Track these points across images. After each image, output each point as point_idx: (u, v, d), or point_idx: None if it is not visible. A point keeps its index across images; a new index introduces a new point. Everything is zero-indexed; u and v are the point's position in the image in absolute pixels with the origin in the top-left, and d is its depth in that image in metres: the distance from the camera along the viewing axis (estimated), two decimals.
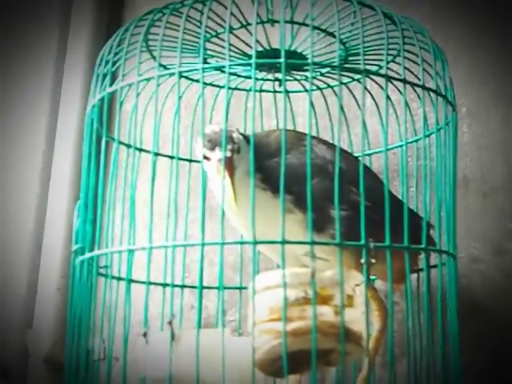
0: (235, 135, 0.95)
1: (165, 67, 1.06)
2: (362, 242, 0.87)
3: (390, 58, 1.05)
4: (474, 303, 1.15)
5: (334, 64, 0.99)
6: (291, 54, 1.06)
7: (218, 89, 1.20)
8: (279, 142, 0.91)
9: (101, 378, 0.99)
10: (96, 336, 1.11)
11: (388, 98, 0.97)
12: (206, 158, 0.95)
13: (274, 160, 0.96)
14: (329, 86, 1.19)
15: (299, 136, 1.02)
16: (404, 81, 0.95)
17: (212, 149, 0.94)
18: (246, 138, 0.96)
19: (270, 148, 0.98)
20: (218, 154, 0.93)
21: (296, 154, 0.97)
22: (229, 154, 0.93)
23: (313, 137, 1.02)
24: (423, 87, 0.97)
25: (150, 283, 0.94)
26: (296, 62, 1.06)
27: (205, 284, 1.21)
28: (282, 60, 0.89)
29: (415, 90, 1.04)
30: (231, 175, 0.93)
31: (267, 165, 0.96)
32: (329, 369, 1.17)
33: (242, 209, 0.91)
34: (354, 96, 1.18)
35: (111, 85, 1.01)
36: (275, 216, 0.89)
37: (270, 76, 1.16)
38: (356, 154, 1.11)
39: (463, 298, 1.04)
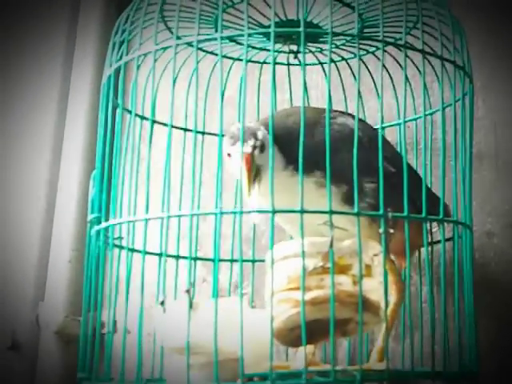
0: (260, 133, 0.94)
1: (179, 38, 1.05)
2: (381, 211, 0.86)
3: (407, 29, 1.04)
4: (488, 277, 1.15)
5: (353, 33, 0.98)
6: (307, 25, 1.05)
7: (232, 61, 1.19)
8: (299, 121, 0.89)
9: (114, 350, 0.99)
10: (107, 309, 1.12)
11: (405, 69, 0.96)
12: (229, 155, 0.96)
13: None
14: (343, 58, 1.19)
15: (319, 110, 1.01)
16: (422, 51, 0.94)
17: (233, 144, 0.95)
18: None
19: (295, 132, 0.96)
20: (238, 149, 0.93)
21: (321, 129, 0.94)
22: (249, 149, 0.93)
23: (333, 110, 1.02)
24: (441, 58, 0.97)
25: (165, 255, 0.94)
26: (315, 30, 1.05)
27: None
28: (301, 29, 0.88)
29: (431, 64, 1.04)
30: (249, 170, 0.93)
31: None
32: (341, 342, 1.18)
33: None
34: (368, 69, 1.17)
35: (126, 54, 1.00)
36: (307, 195, 0.87)
37: (285, 48, 1.15)
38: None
39: (477, 272, 1.04)
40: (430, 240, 1.04)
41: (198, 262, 1.21)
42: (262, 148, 0.93)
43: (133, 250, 1.02)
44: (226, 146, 0.96)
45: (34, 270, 1.44)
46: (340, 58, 1.19)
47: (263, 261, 0.99)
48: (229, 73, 1.20)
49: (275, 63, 1.20)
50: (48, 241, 1.45)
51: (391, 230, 0.88)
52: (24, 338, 1.42)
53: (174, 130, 1.10)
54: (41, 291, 1.43)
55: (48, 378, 1.37)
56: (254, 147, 0.93)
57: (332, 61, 1.19)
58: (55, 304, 1.40)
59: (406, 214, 0.88)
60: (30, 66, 1.57)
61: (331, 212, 0.85)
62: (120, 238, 1.02)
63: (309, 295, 0.85)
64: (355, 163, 0.86)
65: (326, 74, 1.20)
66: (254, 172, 0.93)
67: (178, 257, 1.12)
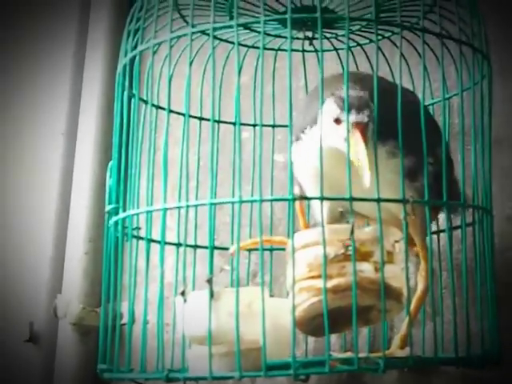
0: (371, 104, 0.89)
1: (194, 27, 1.04)
2: (401, 197, 0.86)
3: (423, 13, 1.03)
4: (508, 261, 1.14)
5: (370, 18, 0.97)
6: (323, 11, 1.04)
7: (246, 49, 1.18)
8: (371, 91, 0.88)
9: (133, 341, 0.98)
10: (126, 299, 1.11)
11: (421, 54, 0.95)
12: (337, 121, 0.90)
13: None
14: (358, 44, 1.18)
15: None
16: (440, 35, 0.93)
17: (350, 111, 0.88)
18: None
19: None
20: (352, 117, 0.88)
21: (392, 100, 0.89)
22: (366, 119, 0.88)
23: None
24: (460, 41, 0.96)
25: (183, 245, 0.93)
26: (332, 16, 1.04)
27: None
28: (317, 14, 0.88)
29: (447, 48, 1.03)
30: (366, 142, 0.87)
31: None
32: (361, 330, 1.17)
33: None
34: (383, 54, 1.16)
35: (141, 43, 1.00)
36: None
37: (300, 35, 1.14)
38: None
39: (496, 258, 1.03)
40: (450, 225, 1.04)
41: (215, 252, 1.20)
42: (373, 121, 0.89)
43: (151, 241, 1.02)
44: (334, 110, 0.90)
45: (51, 262, 1.44)
46: (355, 44, 1.18)
47: (281, 249, 0.98)
48: (243, 60, 1.19)
49: (291, 50, 1.20)
50: (64, 232, 1.45)
51: (413, 217, 0.87)
52: (42, 330, 1.43)
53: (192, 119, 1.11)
54: (58, 283, 1.43)
55: (66, 370, 1.38)
56: (369, 119, 0.88)
57: (348, 47, 1.18)
58: (72, 296, 1.40)
59: (426, 199, 0.87)
60: (43, 56, 1.56)
61: (351, 199, 0.84)
62: (138, 228, 1.01)
63: (330, 283, 0.85)
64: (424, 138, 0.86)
65: (341, 61, 1.19)
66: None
67: (196, 246, 1.11)
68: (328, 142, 0.90)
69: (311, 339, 1.19)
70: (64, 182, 1.47)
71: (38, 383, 1.40)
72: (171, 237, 1.05)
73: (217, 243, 1.23)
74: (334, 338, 1.18)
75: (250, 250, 1.16)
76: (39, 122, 1.54)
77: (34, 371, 1.41)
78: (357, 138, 0.87)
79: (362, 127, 0.87)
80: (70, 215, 1.45)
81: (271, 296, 1.14)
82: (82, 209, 1.43)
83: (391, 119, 0.86)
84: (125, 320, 1.01)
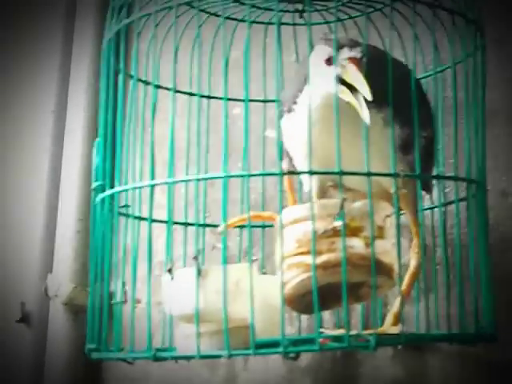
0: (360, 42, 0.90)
1: None
2: (392, 171, 0.84)
3: None
4: (503, 236, 1.12)
5: None
6: None
7: (236, 23, 1.16)
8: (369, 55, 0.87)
9: (123, 320, 0.97)
10: (117, 278, 1.10)
11: (413, 25, 0.93)
12: (328, 61, 0.90)
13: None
14: (350, 17, 1.15)
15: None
16: (432, 5, 0.91)
17: (339, 49, 0.88)
18: None
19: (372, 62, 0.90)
20: (345, 53, 0.88)
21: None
22: (359, 54, 0.88)
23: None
24: (452, 11, 0.94)
25: (172, 222, 0.92)
26: None
27: None
28: None
29: (440, 19, 1.01)
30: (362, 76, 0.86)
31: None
32: (354, 307, 1.16)
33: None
34: (376, 27, 1.14)
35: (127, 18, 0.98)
36: (373, 133, 0.84)
37: (290, 8, 1.12)
38: None
39: (491, 231, 1.02)
40: (443, 200, 1.02)
41: (207, 229, 1.18)
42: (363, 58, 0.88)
43: (139, 218, 1.00)
44: (324, 51, 0.91)
45: (41, 242, 1.43)
46: (347, 17, 1.16)
47: (273, 226, 0.97)
48: (233, 35, 1.17)
49: (280, 24, 1.18)
50: (55, 211, 1.43)
51: (404, 190, 0.85)
52: (33, 310, 1.42)
53: (180, 95, 1.09)
54: (49, 262, 1.42)
55: (58, 349, 1.36)
56: (363, 55, 0.88)
57: (339, 19, 1.16)
58: (63, 275, 1.38)
59: (418, 173, 0.86)
60: (31, 34, 1.55)
61: (341, 173, 0.82)
62: (126, 205, 1.00)
63: (320, 259, 0.83)
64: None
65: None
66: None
67: (186, 224, 1.10)
68: (319, 91, 0.89)
69: (304, 317, 1.17)
70: (53, 162, 1.46)
71: (29, 363, 1.39)
72: (163, 214, 1.03)
73: (208, 221, 1.21)
74: (327, 315, 1.17)
75: (241, 227, 1.15)
76: (28, 101, 1.52)
77: (26, 351, 1.40)
78: (352, 69, 0.86)
79: (356, 61, 0.87)
80: (61, 194, 1.44)
81: (264, 273, 1.13)
82: (73, 188, 1.41)
83: (385, 87, 0.84)
84: (115, 299, 0.99)
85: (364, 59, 0.88)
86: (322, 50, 0.91)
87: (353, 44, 0.89)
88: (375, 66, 0.86)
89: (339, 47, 0.88)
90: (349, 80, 0.86)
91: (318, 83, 0.89)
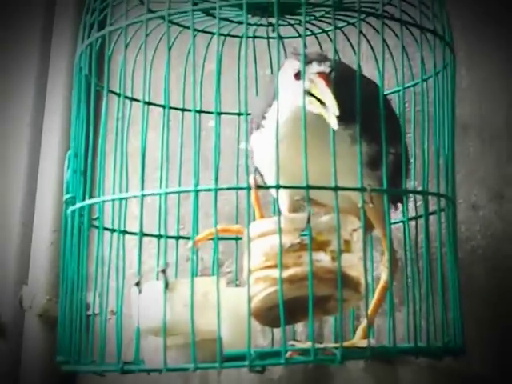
0: (330, 57, 0.91)
1: (153, 12, 1.03)
2: (359, 185, 0.84)
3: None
4: (474, 249, 1.13)
5: (329, 4, 0.96)
6: None
7: (210, 36, 1.16)
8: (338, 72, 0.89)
9: (95, 332, 0.97)
10: (90, 290, 1.10)
11: (384, 41, 0.94)
12: (297, 76, 0.91)
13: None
14: (323, 30, 1.16)
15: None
16: (401, 21, 0.92)
17: (308, 64, 0.89)
18: None
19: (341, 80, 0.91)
20: (314, 68, 0.89)
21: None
22: (328, 69, 0.89)
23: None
24: (420, 27, 0.95)
25: (144, 234, 0.92)
26: (289, 1, 1.01)
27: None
28: (274, 0, 0.86)
29: (412, 34, 1.01)
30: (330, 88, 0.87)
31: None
32: (327, 319, 1.16)
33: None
34: (349, 41, 1.15)
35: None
36: (340, 149, 0.85)
37: (264, 21, 1.13)
38: None
39: (462, 245, 1.03)
40: (411, 215, 1.03)
41: (182, 242, 1.18)
42: (331, 72, 0.90)
43: (111, 230, 1.00)
44: (293, 65, 0.92)
45: (16, 253, 1.42)
46: (320, 31, 1.17)
47: None
48: (207, 47, 1.18)
49: (254, 37, 1.19)
50: (30, 222, 1.43)
51: (371, 205, 0.85)
52: (8, 321, 1.40)
53: (154, 111, 1.09)
54: (24, 274, 1.41)
55: (33, 361, 1.36)
56: (332, 69, 0.90)
57: (312, 33, 1.16)
58: (38, 286, 1.38)
59: (385, 187, 0.86)
60: (8, 46, 1.54)
61: (308, 187, 0.83)
62: (98, 218, 1.00)
63: (286, 273, 0.84)
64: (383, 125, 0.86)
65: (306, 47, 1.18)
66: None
67: (158, 236, 1.10)
68: (288, 105, 0.90)
69: (277, 329, 1.18)
70: (30, 173, 1.45)
71: (4, 375, 1.38)
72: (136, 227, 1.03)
73: (183, 233, 1.21)
74: (300, 327, 1.17)
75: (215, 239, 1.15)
76: (5, 114, 1.51)
77: (1, 362, 1.39)
78: (321, 83, 0.87)
79: (324, 76, 0.88)
80: (36, 206, 1.43)
81: (237, 286, 1.13)
82: (48, 199, 1.41)
83: (354, 104, 0.85)
84: (90, 311, 0.99)
85: (333, 74, 0.89)
86: (291, 65, 0.92)
87: (322, 59, 0.91)
88: (343, 83, 0.87)
89: (308, 62, 0.89)
90: (317, 94, 0.87)
91: (286, 97, 0.90)
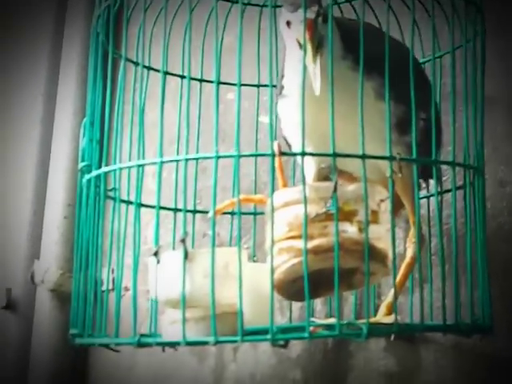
0: (324, 1, 0.86)
1: None
2: (388, 153, 0.81)
3: None
4: (500, 226, 1.09)
5: None
6: None
7: (230, 5, 1.13)
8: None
9: (110, 308, 0.94)
10: (104, 265, 1.07)
11: (413, 9, 0.90)
12: (288, 24, 0.87)
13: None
14: (347, 0, 1.13)
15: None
16: None
17: (294, 11, 0.85)
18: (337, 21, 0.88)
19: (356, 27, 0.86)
20: (300, 15, 0.84)
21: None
22: (313, 15, 0.84)
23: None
24: None
25: (161, 208, 0.89)
26: None
27: None
28: None
29: (440, 3, 0.98)
30: (312, 38, 0.83)
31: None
32: (347, 297, 1.13)
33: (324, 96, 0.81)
34: (374, 13, 1.11)
35: None
36: (365, 105, 0.81)
37: None
38: None
39: (489, 222, 0.99)
40: (440, 189, 0.99)
41: (198, 217, 1.15)
42: (325, 18, 0.84)
43: (127, 202, 0.97)
44: (285, 14, 0.88)
45: (29, 227, 1.41)
46: (344, 0, 1.14)
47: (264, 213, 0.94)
48: (227, 18, 1.15)
49: (275, 6, 1.15)
50: (43, 197, 1.42)
51: (399, 175, 0.82)
52: (19, 296, 1.40)
53: (171, 82, 1.06)
54: (36, 248, 1.40)
55: (44, 336, 1.35)
56: (318, 14, 0.84)
57: (335, 3, 1.13)
58: (51, 261, 1.36)
59: (414, 156, 0.83)
60: (22, 17, 1.52)
61: (335, 155, 0.80)
62: (114, 188, 0.96)
63: (311, 243, 0.80)
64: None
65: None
66: (317, 42, 0.83)
67: (175, 209, 1.07)
68: (291, 56, 0.89)
69: (296, 306, 1.15)
70: (42, 147, 1.44)
71: (15, 351, 1.37)
72: (154, 200, 1.00)
73: (200, 207, 1.18)
74: (319, 305, 1.15)
75: (232, 214, 1.12)
76: (18, 84, 1.49)
77: (12, 338, 1.39)
78: (305, 36, 0.83)
79: (310, 22, 0.83)
80: (49, 179, 1.42)
81: (254, 261, 1.10)
82: (61, 172, 1.39)
83: (378, 56, 0.81)
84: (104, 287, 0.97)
85: (319, 19, 0.84)
86: (284, 15, 0.88)
87: (310, 3, 0.85)
88: (370, 35, 0.83)
89: (294, 9, 0.86)
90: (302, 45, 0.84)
91: (291, 53, 0.88)
